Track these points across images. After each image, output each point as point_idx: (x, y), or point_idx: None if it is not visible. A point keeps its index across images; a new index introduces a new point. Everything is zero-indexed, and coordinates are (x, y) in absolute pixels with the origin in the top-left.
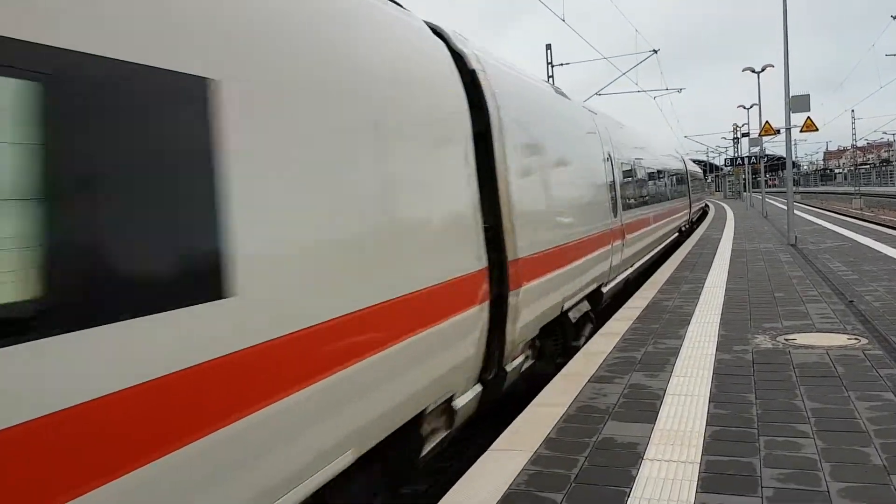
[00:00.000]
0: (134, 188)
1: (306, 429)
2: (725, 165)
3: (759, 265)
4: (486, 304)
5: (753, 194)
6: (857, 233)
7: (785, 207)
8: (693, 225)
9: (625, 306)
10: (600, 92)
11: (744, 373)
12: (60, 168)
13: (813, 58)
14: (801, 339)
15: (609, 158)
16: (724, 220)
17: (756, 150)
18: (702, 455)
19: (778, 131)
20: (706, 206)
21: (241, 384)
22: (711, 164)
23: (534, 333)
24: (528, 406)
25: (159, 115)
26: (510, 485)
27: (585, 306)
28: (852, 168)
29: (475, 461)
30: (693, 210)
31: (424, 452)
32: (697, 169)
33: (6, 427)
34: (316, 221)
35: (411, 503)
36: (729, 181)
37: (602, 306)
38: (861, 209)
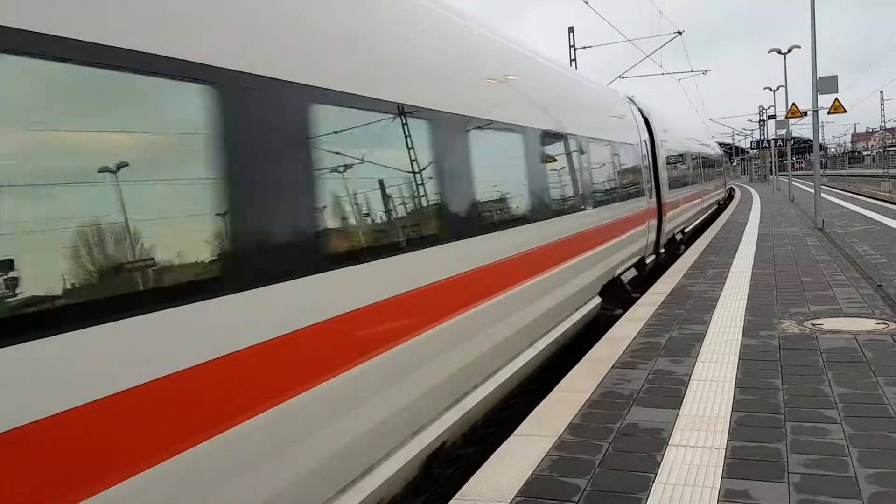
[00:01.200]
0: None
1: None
2: (751, 148)
3: (786, 249)
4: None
5: (780, 177)
6: (885, 216)
7: (812, 191)
8: (679, 246)
9: (649, 292)
10: (623, 75)
11: (770, 358)
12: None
13: (841, 37)
14: (829, 323)
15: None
16: (750, 204)
17: (782, 132)
18: (727, 441)
19: (805, 113)
20: (731, 190)
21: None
22: (737, 147)
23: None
24: (552, 391)
25: None
26: (534, 470)
27: None
28: (881, 150)
29: (499, 446)
30: (677, 223)
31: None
32: (706, 144)
33: None
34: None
35: (437, 488)
36: (755, 164)
37: None
38: (890, 192)
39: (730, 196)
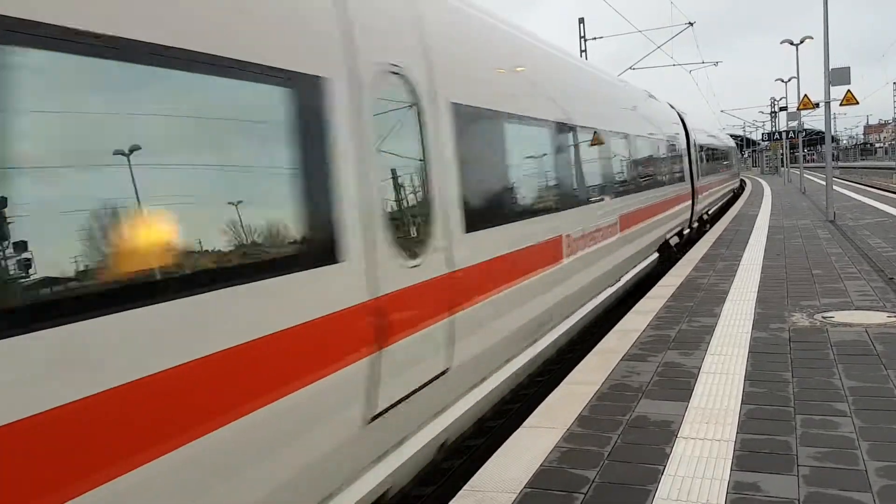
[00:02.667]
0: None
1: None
2: (763, 140)
3: (797, 241)
4: None
5: (791, 169)
6: None
7: (823, 183)
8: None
9: (658, 284)
10: (634, 66)
11: (780, 351)
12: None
13: (853, 28)
14: (840, 316)
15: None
16: (761, 196)
17: (794, 124)
18: (737, 433)
19: (817, 105)
20: (742, 182)
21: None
22: (748, 139)
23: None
24: (562, 383)
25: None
26: (542, 462)
27: None
28: (894, 142)
29: (508, 438)
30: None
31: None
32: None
33: None
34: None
35: (446, 479)
36: (766, 156)
37: None
38: None
39: (740, 188)
